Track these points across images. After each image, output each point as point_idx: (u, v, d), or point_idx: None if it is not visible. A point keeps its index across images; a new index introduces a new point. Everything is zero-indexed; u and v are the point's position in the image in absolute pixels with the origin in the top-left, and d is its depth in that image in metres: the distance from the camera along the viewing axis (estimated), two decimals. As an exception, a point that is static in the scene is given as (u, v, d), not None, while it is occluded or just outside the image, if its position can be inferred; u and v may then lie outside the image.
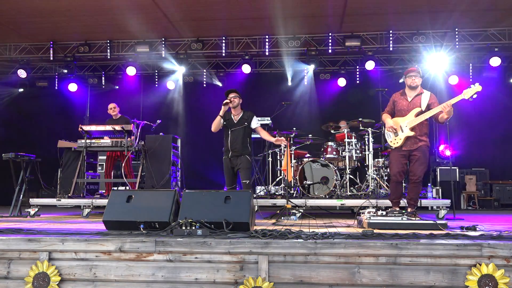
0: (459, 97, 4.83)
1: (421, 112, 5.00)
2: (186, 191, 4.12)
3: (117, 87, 11.65)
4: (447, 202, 6.33)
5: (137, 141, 6.95)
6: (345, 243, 3.22)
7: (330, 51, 9.83)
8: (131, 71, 10.45)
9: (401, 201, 5.35)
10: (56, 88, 11.54)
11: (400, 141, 5.00)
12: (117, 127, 6.90)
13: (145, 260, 3.38)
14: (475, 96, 4.80)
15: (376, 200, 6.22)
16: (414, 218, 4.43)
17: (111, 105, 7.86)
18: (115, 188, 6.97)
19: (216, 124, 5.75)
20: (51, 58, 10.35)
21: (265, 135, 5.95)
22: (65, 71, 10.45)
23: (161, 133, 7.49)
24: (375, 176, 7.27)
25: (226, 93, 5.82)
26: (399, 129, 5.04)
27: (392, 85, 10.71)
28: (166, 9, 8.63)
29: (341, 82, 10.67)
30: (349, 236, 3.50)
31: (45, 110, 11.65)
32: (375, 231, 3.70)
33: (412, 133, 4.96)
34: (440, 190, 7.70)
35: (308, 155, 7.86)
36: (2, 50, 10.45)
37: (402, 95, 5.21)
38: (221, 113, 5.70)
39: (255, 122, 5.79)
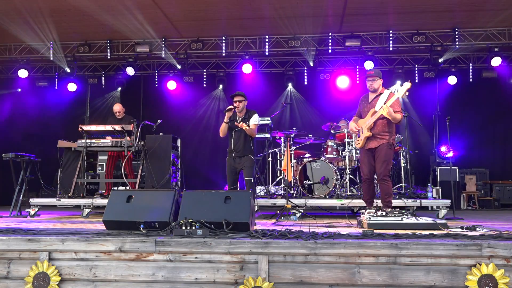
0: (394, 97, 5.00)
1: (375, 113, 5.13)
2: (186, 191, 4.12)
3: (119, 88, 11.64)
4: (447, 202, 6.33)
5: (137, 141, 6.95)
6: (345, 243, 3.22)
7: (330, 51, 9.84)
8: (131, 71, 10.44)
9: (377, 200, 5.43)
10: (56, 88, 11.54)
11: (360, 141, 5.17)
12: (117, 127, 6.89)
13: (145, 260, 3.38)
14: (407, 93, 5.01)
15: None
16: (395, 217, 4.46)
17: (117, 108, 7.70)
18: (115, 188, 6.96)
19: (223, 130, 5.73)
20: (51, 58, 10.35)
21: (249, 130, 5.67)
22: (68, 70, 10.46)
23: (161, 133, 7.49)
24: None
25: (232, 96, 5.78)
26: (361, 130, 5.19)
27: (392, 85, 10.74)
28: (166, 9, 8.63)
29: (342, 82, 10.66)
30: (349, 236, 3.50)
31: (45, 110, 11.64)
32: (375, 231, 3.70)
33: (369, 134, 5.08)
34: (440, 190, 7.67)
35: (308, 155, 7.85)
36: (2, 50, 10.45)
37: (365, 97, 5.37)
38: (225, 119, 5.66)
39: (252, 120, 5.73)
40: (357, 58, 10.64)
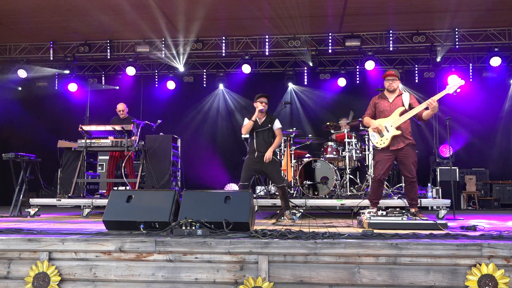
0: (443, 92, 4.93)
1: (405, 111, 5.06)
2: (186, 191, 4.11)
3: (117, 87, 11.64)
4: (447, 202, 6.33)
5: (137, 141, 6.95)
6: (345, 243, 3.22)
7: (330, 51, 9.84)
8: (131, 71, 10.45)
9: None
10: (56, 88, 11.54)
11: (387, 141, 5.02)
12: (117, 127, 6.90)
13: (145, 260, 3.38)
14: (458, 90, 4.89)
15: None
16: (420, 218, 4.42)
17: (121, 107, 7.78)
18: (115, 188, 6.96)
19: (247, 128, 5.78)
20: (51, 58, 10.35)
21: (277, 139, 5.91)
22: (67, 71, 10.47)
23: (161, 133, 7.49)
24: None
25: (258, 97, 5.83)
26: (383, 129, 5.07)
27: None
28: (166, 9, 8.63)
29: (341, 82, 10.66)
30: (349, 236, 3.50)
31: (45, 110, 11.65)
32: (375, 231, 3.70)
33: (398, 132, 5.00)
34: (440, 190, 7.69)
35: (308, 155, 7.85)
36: (2, 50, 10.45)
37: (381, 97, 5.28)
38: (253, 118, 5.74)
39: (278, 124, 5.86)
40: (357, 58, 10.64)
